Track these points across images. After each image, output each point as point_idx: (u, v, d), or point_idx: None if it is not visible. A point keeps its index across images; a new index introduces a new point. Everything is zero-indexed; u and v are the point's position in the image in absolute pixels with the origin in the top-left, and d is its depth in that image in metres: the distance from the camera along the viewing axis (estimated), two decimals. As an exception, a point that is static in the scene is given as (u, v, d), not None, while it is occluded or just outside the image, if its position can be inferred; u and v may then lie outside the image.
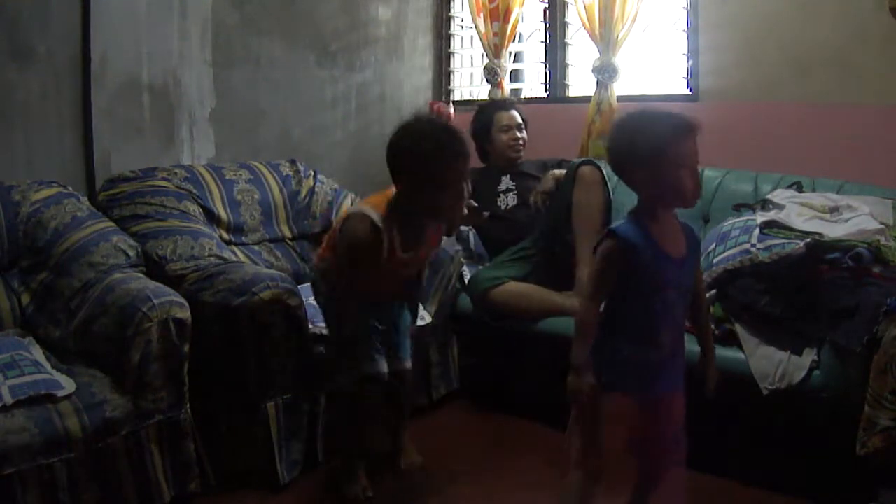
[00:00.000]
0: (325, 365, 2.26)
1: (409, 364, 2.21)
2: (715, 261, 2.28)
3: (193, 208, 2.63)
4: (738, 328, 2.16)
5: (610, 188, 2.67)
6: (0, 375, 1.83)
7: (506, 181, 3.04)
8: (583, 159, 2.79)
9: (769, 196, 2.45)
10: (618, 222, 1.65)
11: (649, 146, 1.58)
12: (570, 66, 3.63)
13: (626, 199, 2.86)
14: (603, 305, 1.64)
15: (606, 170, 2.75)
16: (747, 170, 2.77)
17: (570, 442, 1.70)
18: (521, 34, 3.78)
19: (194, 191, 2.69)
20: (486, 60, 3.67)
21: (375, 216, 1.94)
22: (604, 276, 1.62)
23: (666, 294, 1.62)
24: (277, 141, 3.35)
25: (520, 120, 3.08)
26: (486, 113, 3.13)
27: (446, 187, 1.90)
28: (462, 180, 1.94)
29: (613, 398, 1.62)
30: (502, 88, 3.64)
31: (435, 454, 2.31)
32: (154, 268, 2.35)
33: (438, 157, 1.87)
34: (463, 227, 3.10)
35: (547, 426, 2.52)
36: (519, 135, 3.06)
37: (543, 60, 3.67)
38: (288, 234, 2.96)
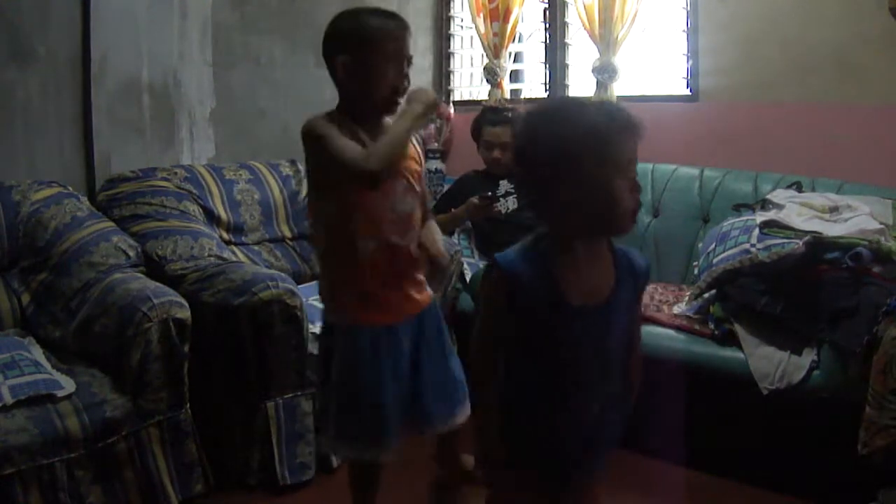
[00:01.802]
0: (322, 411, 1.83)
1: (460, 418, 1.79)
2: (715, 261, 2.28)
3: (193, 208, 2.63)
4: (738, 328, 2.16)
5: None
6: (0, 375, 1.83)
7: (504, 185, 3.04)
8: None
9: (769, 196, 2.46)
10: (510, 248, 1.27)
11: (573, 143, 1.15)
12: (569, 67, 3.63)
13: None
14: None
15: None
16: (747, 170, 2.77)
17: None
18: (520, 34, 3.78)
19: (194, 191, 2.69)
20: (485, 60, 3.66)
21: (331, 111, 1.75)
22: (489, 316, 1.26)
23: (570, 355, 1.23)
24: (277, 141, 3.35)
25: (506, 138, 2.98)
26: (478, 122, 3.13)
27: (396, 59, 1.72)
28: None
29: (511, 477, 1.28)
30: (502, 88, 3.64)
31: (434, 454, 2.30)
32: (154, 268, 2.35)
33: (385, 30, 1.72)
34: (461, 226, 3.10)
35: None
36: (498, 154, 3.03)
37: (543, 60, 3.66)
38: (288, 234, 2.96)
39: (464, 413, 1.80)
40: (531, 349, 1.24)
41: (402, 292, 1.70)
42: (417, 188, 1.74)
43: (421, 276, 1.76)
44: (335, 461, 2.32)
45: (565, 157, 1.16)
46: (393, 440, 1.68)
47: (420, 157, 1.79)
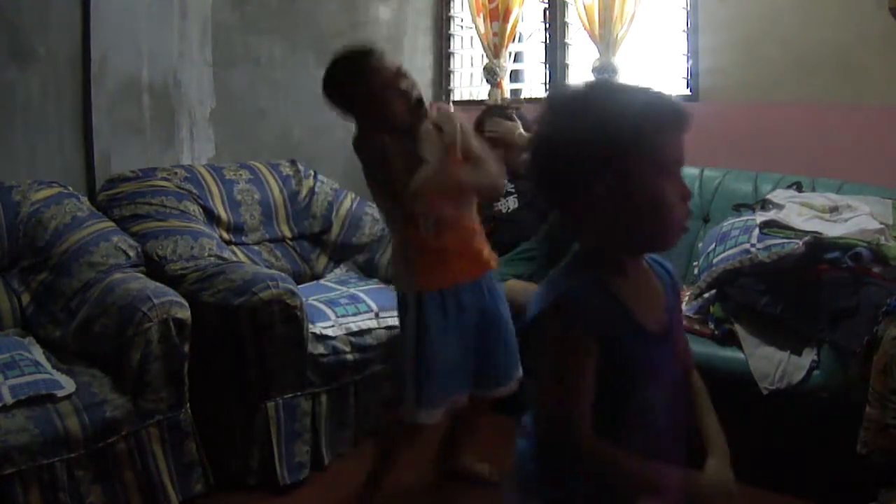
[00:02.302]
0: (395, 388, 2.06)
1: (510, 386, 1.97)
2: (715, 261, 2.28)
3: (193, 208, 2.63)
4: (738, 328, 2.16)
5: None
6: (0, 375, 1.83)
7: (504, 184, 3.03)
8: None
9: (769, 196, 2.45)
10: (558, 277, 1.04)
11: (623, 135, 0.94)
12: (569, 66, 3.63)
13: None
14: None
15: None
16: (747, 170, 2.76)
17: None
18: (520, 34, 3.78)
19: (194, 191, 2.69)
20: (485, 60, 3.66)
21: None
22: (569, 371, 0.98)
23: (652, 388, 1.03)
24: (277, 141, 3.35)
25: (510, 137, 3.03)
26: (481, 120, 3.13)
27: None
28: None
29: None
30: (502, 88, 3.64)
31: (433, 454, 2.30)
32: (154, 268, 2.35)
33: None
34: None
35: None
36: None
37: (543, 60, 3.66)
38: (288, 234, 2.96)
39: (509, 386, 1.97)
40: (611, 389, 1.00)
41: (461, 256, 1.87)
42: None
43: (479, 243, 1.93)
44: (327, 458, 2.33)
45: (613, 154, 0.94)
46: (438, 409, 1.88)
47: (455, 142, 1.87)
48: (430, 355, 1.83)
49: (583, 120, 0.96)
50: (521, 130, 3.05)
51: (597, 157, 0.94)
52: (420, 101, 1.87)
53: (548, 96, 1.15)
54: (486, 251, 1.94)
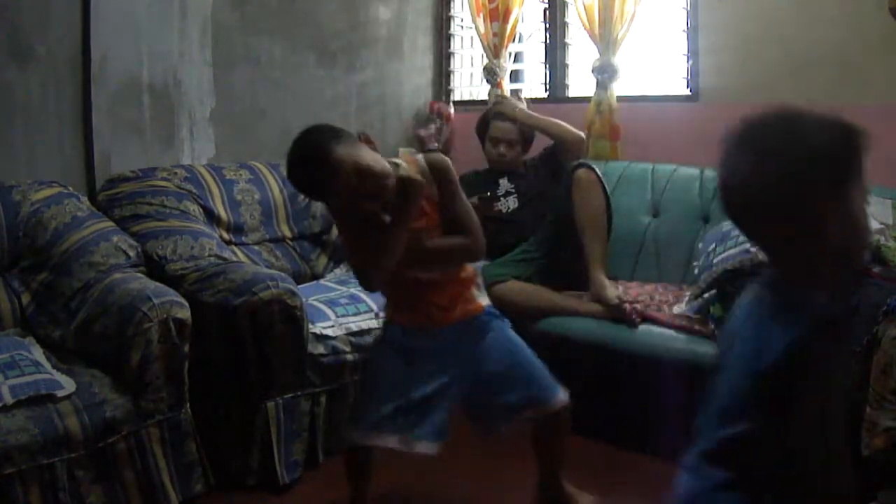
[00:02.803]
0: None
1: (558, 399, 1.89)
2: (715, 261, 2.28)
3: (193, 208, 2.63)
4: (738, 328, 2.16)
5: (607, 188, 2.67)
6: (0, 375, 1.83)
7: (504, 184, 3.03)
8: (577, 162, 2.79)
9: (769, 196, 2.45)
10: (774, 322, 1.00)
11: (842, 164, 1.03)
12: (569, 67, 3.63)
13: (627, 199, 2.88)
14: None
15: (600, 170, 2.76)
16: (747, 170, 2.76)
17: None
18: (520, 34, 3.78)
19: (194, 191, 2.69)
20: (485, 60, 3.66)
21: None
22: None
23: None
24: (277, 141, 3.35)
25: (513, 136, 3.03)
26: (486, 119, 3.13)
27: None
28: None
29: None
30: (502, 88, 3.64)
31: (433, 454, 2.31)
32: (154, 268, 2.35)
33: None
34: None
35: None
36: (504, 150, 3.04)
37: (543, 60, 3.67)
38: (288, 234, 2.96)
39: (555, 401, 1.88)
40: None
41: (430, 311, 1.84)
42: (434, 231, 1.82)
43: (466, 293, 1.88)
44: (321, 457, 2.33)
45: (843, 179, 1.03)
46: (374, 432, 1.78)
47: (433, 196, 1.81)
48: (373, 379, 1.85)
49: (803, 148, 1.04)
50: (523, 106, 3.06)
51: (830, 182, 1.00)
52: (386, 187, 1.70)
53: (751, 127, 1.14)
54: (465, 305, 1.86)
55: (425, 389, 1.79)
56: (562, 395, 1.89)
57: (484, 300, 1.91)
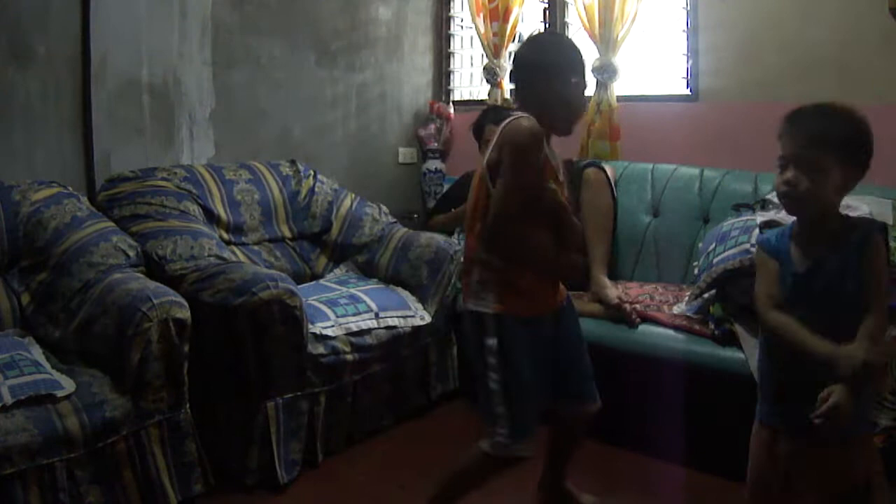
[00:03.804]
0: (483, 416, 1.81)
1: (597, 404, 1.92)
2: (715, 261, 2.28)
3: (193, 208, 2.63)
4: (738, 328, 2.16)
5: (615, 190, 2.67)
6: (0, 375, 1.83)
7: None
8: (587, 161, 2.79)
9: (769, 196, 2.45)
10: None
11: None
12: (570, 66, 3.63)
13: (627, 199, 2.88)
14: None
15: (611, 170, 2.76)
16: (747, 169, 2.76)
17: None
18: (520, 34, 3.78)
19: (194, 191, 2.69)
20: (485, 60, 3.67)
21: (533, 120, 1.71)
22: None
23: None
24: (277, 141, 3.36)
25: None
26: (481, 121, 3.13)
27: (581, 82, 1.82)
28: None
29: None
30: (502, 88, 3.64)
31: (432, 454, 2.31)
32: (154, 268, 2.35)
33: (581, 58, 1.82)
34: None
35: (545, 426, 2.52)
36: None
37: (543, 60, 3.66)
38: (288, 234, 2.96)
39: (594, 404, 1.91)
40: None
41: (550, 287, 1.82)
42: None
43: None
44: (320, 456, 2.33)
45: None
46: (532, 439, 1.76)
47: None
48: (517, 383, 1.72)
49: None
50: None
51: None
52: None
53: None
54: (561, 286, 1.88)
55: (548, 373, 1.80)
56: (598, 400, 1.91)
57: None
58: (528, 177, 1.67)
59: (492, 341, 1.71)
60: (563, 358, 1.85)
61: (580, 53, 1.82)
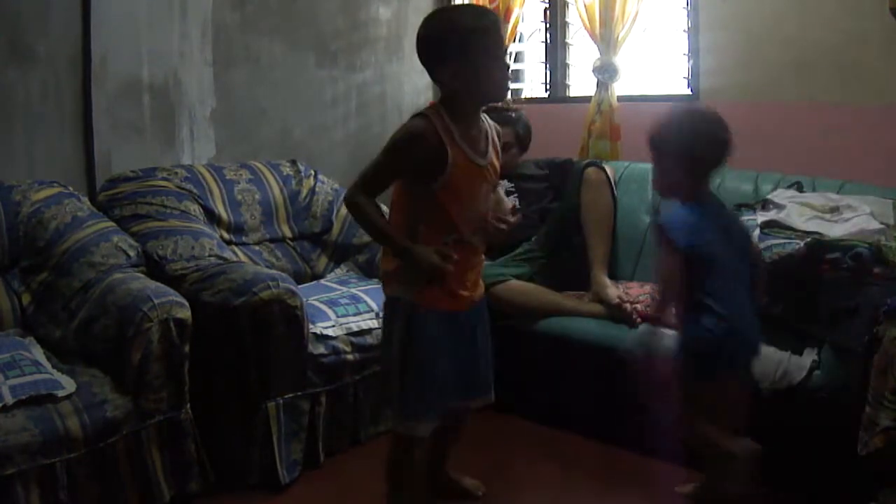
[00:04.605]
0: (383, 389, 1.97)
1: (491, 396, 1.98)
2: (715, 261, 2.28)
3: (194, 208, 2.63)
4: (739, 328, 2.16)
5: (615, 190, 2.67)
6: (0, 375, 1.83)
7: (504, 185, 3.03)
8: (587, 161, 2.79)
9: (769, 196, 2.45)
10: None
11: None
12: (570, 66, 3.63)
13: (627, 199, 2.87)
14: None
15: (611, 170, 2.76)
16: (748, 169, 2.76)
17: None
18: (521, 34, 3.78)
19: (195, 191, 2.69)
20: (486, 60, 3.66)
21: (433, 117, 1.71)
22: None
23: None
24: (278, 141, 3.35)
25: (508, 138, 2.93)
26: None
27: (499, 56, 1.73)
28: (504, 44, 1.79)
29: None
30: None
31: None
32: (154, 268, 2.35)
33: (484, 26, 1.69)
34: None
35: (545, 426, 2.52)
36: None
37: (544, 60, 3.66)
38: (288, 233, 2.96)
39: (490, 393, 1.97)
40: None
41: (470, 284, 1.84)
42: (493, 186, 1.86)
43: (481, 269, 1.91)
44: (322, 457, 2.33)
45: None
46: (442, 415, 1.85)
47: (499, 154, 1.88)
48: (421, 367, 1.78)
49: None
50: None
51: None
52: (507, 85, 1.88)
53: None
54: (480, 283, 1.92)
55: (458, 363, 1.83)
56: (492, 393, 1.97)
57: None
58: (382, 174, 1.73)
59: (401, 327, 1.77)
60: (471, 354, 1.88)
61: (478, 26, 1.68)
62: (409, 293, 1.76)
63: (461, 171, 1.72)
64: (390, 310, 1.83)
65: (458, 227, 1.76)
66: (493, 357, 1.96)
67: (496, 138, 1.87)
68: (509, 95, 3.63)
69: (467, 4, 1.77)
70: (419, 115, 1.74)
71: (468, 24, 1.69)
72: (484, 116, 1.85)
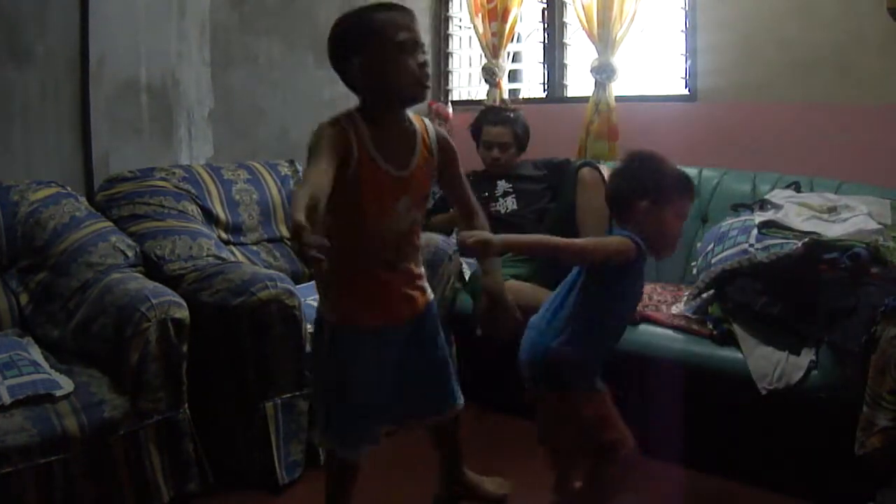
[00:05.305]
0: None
1: (458, 407, 1.91)
2: (713, 261, 2.28)
3: (192, 208, 2.63)
4: (737, 328, 2.16)
5: None
6: (-2, 375, 1.83)
7: (502, 185, 3.03)
8: (582, 161, 2.79)
9: (767, 196, 2.46)
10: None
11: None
12: (568, 66, 3.63)
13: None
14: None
15: (606, 170, 2.76)
16: (745, 170, 2.77)
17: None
18: (519, 34, 3.78)
19: (193, 191, 2.69)
20: (484, 60, 3.67)
21: (344, 118, 1.63)
22: None
23: None
24: (276, 141, 3.35)
25: (506, 139, 2.99)
26: (479, 122, 3.12)
27: (409, 49, 1.60)
28: (414, 38, 1.61)
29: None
30: (501, 88, 3.64)
31: (433, 453, 2.31)
32: (152, 268, 2.35)
33: (389, 18, 1.60)
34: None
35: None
36: (498, 154, 3.01)
37: (542, 60, 3.67)
38: (286, 234, 2.95)
39: (451, 409, 1.91)
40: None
41: (395, 299, 1.73)
42: (423, 204, 1.75)
43: (419, 282, 1.79)
44: (322, 456, 2.32)
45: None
46: (375, 437, 1.78)
47: (432, 169, 1.75)
48: (342, 389, 1.70)
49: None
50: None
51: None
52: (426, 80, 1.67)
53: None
54: (422, 295, 1.80)
55: (390, 383, 1.76)
56: (461, 401, 1.92)
57: (429, 289, 1.84)
58: (307, 173, 1.54)
59: (321, 346, 1.71)
60: (415, 371, 1.79)
61: (382, 24, 1.58)
62: (329, 310, 1.70)
63: (371, 182, 1.60)
64: (316, 327, 1.78)
65: (374, 244, 1.65)
66: (450, 366, 1.89)
67: (432, 142, 1.73)
68: (507, 95, 3.64)
69: (377, 3, 1.63)
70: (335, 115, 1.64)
71: (371, 17, 1.60)
72: (424, 120, 1.75)
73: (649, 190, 1.71)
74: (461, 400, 1.92)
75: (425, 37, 3.91)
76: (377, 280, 1.68)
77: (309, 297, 2.45)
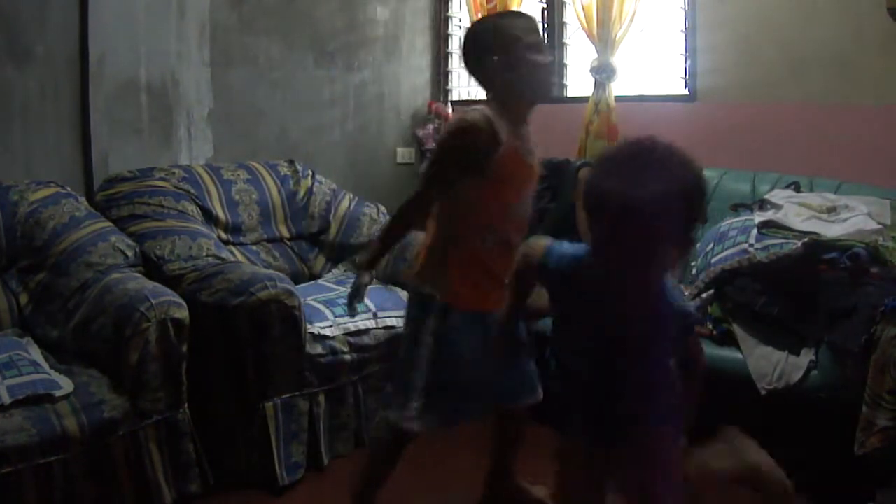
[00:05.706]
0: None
1: (538, 397, 1.92)
2: (713, 261, 2.28)
3: (191, 208, 2.63)
4: (736, 328, 2.16)
5: None
6: (-2, 375, 1.83)
7: None
8: (583, 161, 2.79)
9: (767, 196, 2.46)
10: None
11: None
12: (567, 66, 3.63)
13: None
14: None
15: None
16: (745, 170, 2.77)
17: None
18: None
19: (192, 191, 2.69)
20: (484, 60, 3.66)
21: (487, 112, 1.72)
22: None
23: None
24: (275, 141, 3.35)
25: None
26: None
27: (539, 57, 1.76)
28: (540, 41, 1.81)
29: None
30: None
31: (434, 453, 2.31)
32: (152, 268, 2.35)
33: (522, 27, 1.77)
34: None
35: (546, 425, 2.51)
36: None
37: (542, 60, 3.66)
38: (286, 234, 2.95)
39: (533, 397, 1.92)
40: None
41: (502, 285, 1.78)
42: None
43: None
44: (326, 459, 2.33)
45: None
46: (477, 411, 1.87)
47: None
48: (446, 369, 1.76)
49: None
50: None
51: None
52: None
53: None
54: None
55: (489, 368, 1.78)
56: (541, 393, 1.92)
57: None
58: (435, 173, 1.77)
59: (432, 325, 1.77)
60: (507, 353, 1.82)
61: (515, 28, 1.76)
62: (443, 292, 1.77)
63: (512, 166, 1.74)
64: (420, 306, 1.81)
65: (501, 225, 1.78)
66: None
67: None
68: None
69: (507, 11, 1.83)
70: (471, 110, 1.75)
71: (504, 22, 1.78)
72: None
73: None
74: (541, 392, 1.92)
75: (425, 37, 3.95)
76: (493, 265, 1.79)
77: (309, 297, 2.46)
